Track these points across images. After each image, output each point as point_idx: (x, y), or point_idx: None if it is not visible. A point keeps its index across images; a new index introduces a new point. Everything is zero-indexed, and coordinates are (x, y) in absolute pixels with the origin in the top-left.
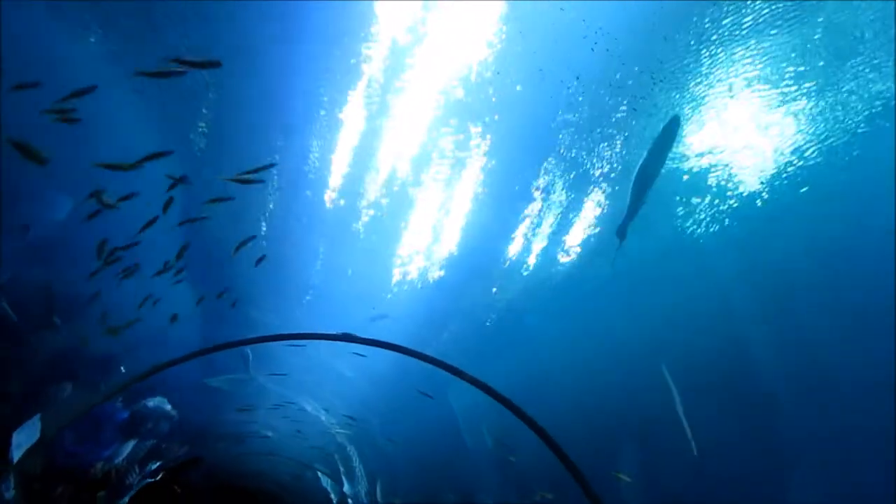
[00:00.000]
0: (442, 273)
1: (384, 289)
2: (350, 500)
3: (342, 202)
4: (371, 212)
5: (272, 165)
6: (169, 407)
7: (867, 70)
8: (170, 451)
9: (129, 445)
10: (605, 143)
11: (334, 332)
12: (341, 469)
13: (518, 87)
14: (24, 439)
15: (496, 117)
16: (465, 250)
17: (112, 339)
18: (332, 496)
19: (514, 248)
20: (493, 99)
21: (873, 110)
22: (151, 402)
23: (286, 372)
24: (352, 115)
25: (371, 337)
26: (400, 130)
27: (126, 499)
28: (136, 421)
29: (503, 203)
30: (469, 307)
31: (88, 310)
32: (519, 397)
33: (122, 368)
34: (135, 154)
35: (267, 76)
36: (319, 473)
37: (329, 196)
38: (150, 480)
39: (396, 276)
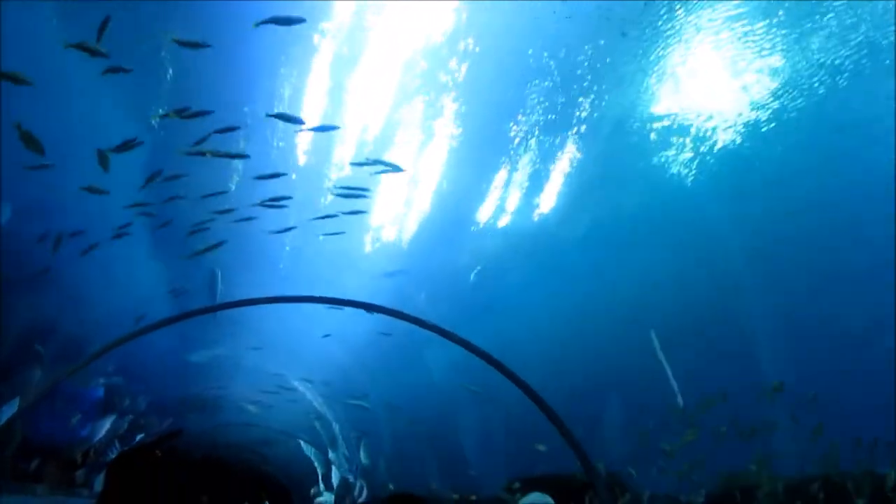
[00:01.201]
0: (416, 231)
1: (359, 252)
2: (335, 466)
3: (313, 161)
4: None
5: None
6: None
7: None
8: (150, 427)
9: (107, 423)
10: (578, 98)
11: (309, 295)
12: (323, 436)
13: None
14: None
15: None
16: (439, 210)
17: (82, 320)
18: (317, 464)
19: (487, 207)
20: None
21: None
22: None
23: (262, 342)
24: (317, 77)
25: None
26: (369, 91)
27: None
28: (112, 398)
29: (475, 161)
30: (446, 267)
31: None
32: (499, 355)
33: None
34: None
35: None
36: (302, 442)
37: (299, 160)
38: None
39: (369, 240)
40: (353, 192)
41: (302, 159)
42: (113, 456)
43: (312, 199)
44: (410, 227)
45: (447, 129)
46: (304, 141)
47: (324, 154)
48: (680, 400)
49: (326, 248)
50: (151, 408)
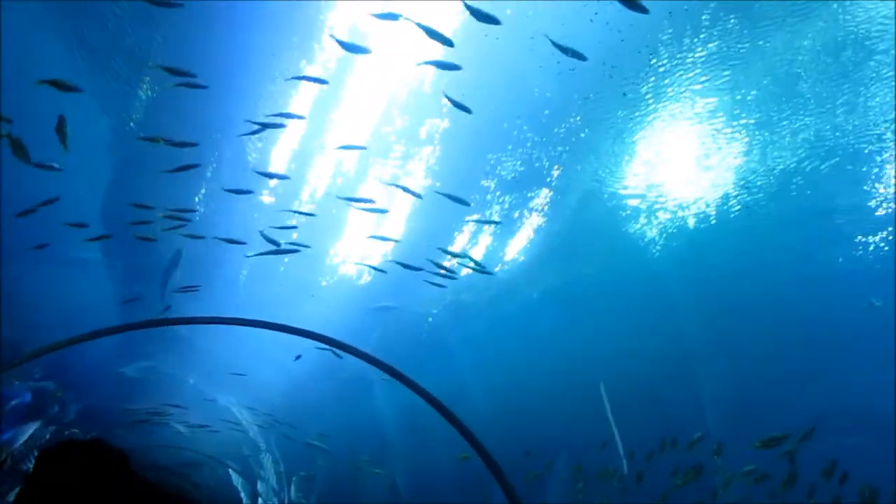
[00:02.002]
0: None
1: (315, 284)
2: (261, 498)
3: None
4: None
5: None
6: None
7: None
8: (76, 438)
9: (30, 429)
10: (548, 164)
11: (258, 319)
12: (253, 467)
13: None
14: None
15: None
16: (404, 251)
17: (19, 324)
18: (242, 494)
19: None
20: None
21: (803, 152)
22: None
23: (204, 364)
24: (296, 109)
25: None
26: (343, 130)
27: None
28: (40, 403)
29: (443, 210)
30: (405, 309)
31: None
32: (448, 403)
33: None
34: None
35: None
36: (231, 470)
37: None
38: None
39: (329, 272)
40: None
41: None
42: (30, 467)
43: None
44: (373, 263)
45: (418, 177)
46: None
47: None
48: (625, 465)
49: (284, 276)
50: (80, 418)
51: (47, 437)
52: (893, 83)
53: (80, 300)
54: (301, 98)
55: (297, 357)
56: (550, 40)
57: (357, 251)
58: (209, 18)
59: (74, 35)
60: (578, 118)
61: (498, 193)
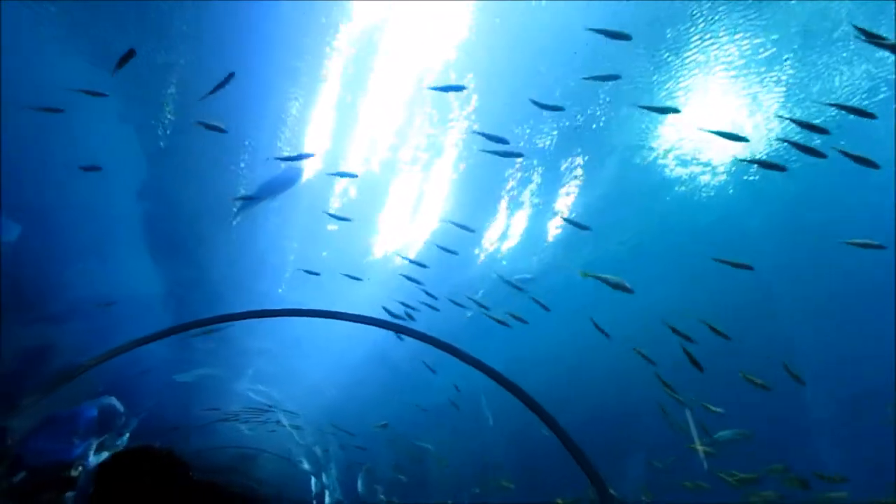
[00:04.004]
0: (421, 251)
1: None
2: (328, 492)
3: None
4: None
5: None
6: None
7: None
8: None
9: (99, 443)
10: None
11: (315, 309)
12: (317, 460)
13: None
14: None
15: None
16: (445, 232)
17: (77, 337)
18: (309, 487)
19: (495, 229)
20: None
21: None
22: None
23: (259, 361)
24: (326, 93)
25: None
26: (376, 109)
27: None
28: (106, 418)
29: (482, 182)
30: (451, 288)
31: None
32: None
33: None
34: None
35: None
36: (294, 465)
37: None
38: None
39: (377, 254)
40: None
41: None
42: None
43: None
44: (416, 247)
45: (454, 151)
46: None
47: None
48: (695, 436)
49: (330, 264)
50: (143, 428)
51: (114, 449)
52: None
53: (129, 312)
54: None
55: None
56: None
57: (400, 233)
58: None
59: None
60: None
61: (535, 161)
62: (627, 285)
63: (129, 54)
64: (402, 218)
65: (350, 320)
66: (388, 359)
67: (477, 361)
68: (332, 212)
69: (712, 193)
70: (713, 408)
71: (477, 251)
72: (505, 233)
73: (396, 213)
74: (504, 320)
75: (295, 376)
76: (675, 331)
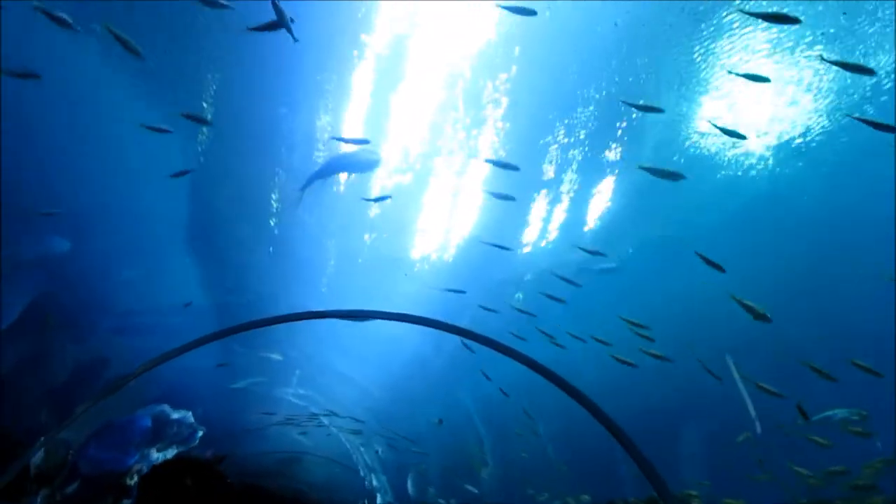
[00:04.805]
0: (462, 249)
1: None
2: (378, 494)
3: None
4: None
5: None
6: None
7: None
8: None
9: (155, 453)
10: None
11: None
12: (367, 462)
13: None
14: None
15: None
16: (483, 226)
17: (128, 347)
18: (361, 489)
19: (534, 222)
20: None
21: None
22: (176, 414)
23: (308, 367)
24: (358, 96)
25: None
26: (410, 110)
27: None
28: (160, 426)
29: (520, 178)
30: (493, 285)
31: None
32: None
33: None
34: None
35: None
36: (343, 467)
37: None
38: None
39: (416, 256)
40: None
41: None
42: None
43: (354, 218)
44: (456, 244)
45: (490, 147)
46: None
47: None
48: (758, 426)
49: (373, 261)
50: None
51: (168, 457)
52: None
53: (179, 323)
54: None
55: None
56: None
57: (437, 231)
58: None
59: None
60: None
61: (572, 152)
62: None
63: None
64: (442, 215)
65: (401, 320)
66: (433, 358)
67: (530, 360)
68: (372, 213)
69: (756, 173)
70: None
71: (521, 248)
72: (545, 226)
73: (435, 211)
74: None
75: (341, 378)
76: (744, 305)
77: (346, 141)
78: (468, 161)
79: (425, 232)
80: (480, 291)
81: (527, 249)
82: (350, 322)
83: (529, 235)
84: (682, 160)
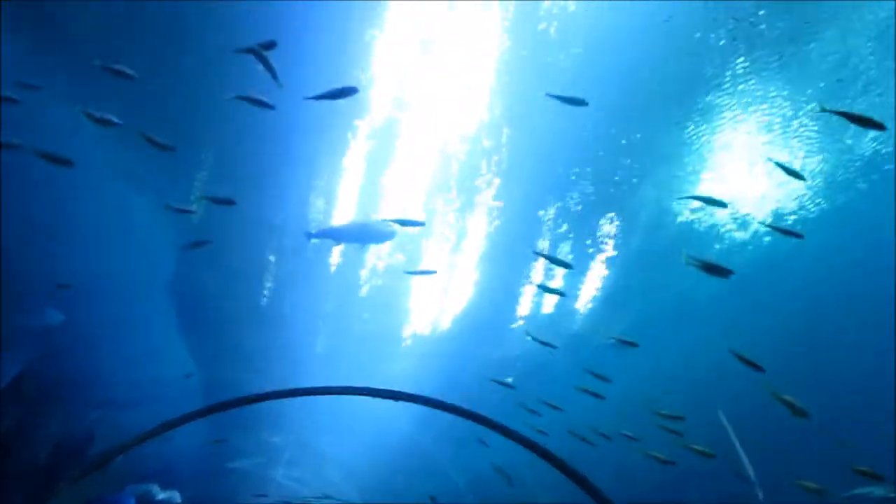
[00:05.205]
0: (454, 326)
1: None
2: None
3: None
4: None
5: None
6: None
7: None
8: None
9: None
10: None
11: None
12: None
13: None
14: None
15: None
16: (475, 307)
17: (115, 422)
18: None
19: (525, 301)
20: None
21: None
22: (162, 495)
23: (296, 448)
24: (351, 174)
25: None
26: (402, 187)
27: None
28: None
29: (512, 256)
30: (483, 363)
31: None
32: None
33: None
34: None
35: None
36: None
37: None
38: None
39: (407, 332)
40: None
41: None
42: None
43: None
44: (447, 322)
45: (483, 226)
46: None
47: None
48: (759, 493)
49: (363, 338)
50: None
51: None
52: None
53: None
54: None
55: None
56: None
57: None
58: None
59: None
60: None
61: (564, 228)
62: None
63: None
64: (434, 294)
65: (393, 398)
66: (425, 435)
67: (522, 437)
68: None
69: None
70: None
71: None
72: (538, 303)
73: (426, 290)
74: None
75: (333, 458)
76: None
77: (403, 223)
78: (460, 241)
79: (416, 311)
80: (477, 367)
81: (520, 323)
82: (342, 400)
83: (522, 311)
84: (677, 233)
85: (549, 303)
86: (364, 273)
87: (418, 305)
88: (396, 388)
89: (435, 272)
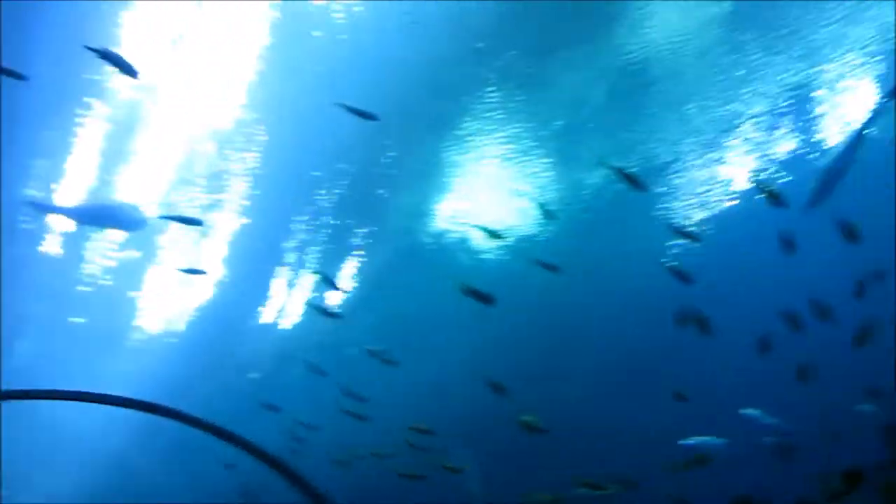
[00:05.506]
0: (192, 325)
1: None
2: None
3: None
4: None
5: None
6: None
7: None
8: None
9: None
10: (363, 208)
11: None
12: None
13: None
14: None
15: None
16: (216, 307)
17: None
18: None
19: (272, 303)
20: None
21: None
22: None
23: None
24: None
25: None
26: (139, 175)
27: None
28: None
29: (258, 261)
30: (225, 362)
31: None
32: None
33: None
34: None
35: None
36: None
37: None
38: None
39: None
40: None
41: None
42: None
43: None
44: (185, 320)
45: (229, 222)
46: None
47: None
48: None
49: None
50: None
51: None
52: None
53: None
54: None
55: None
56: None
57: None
58: None
59: None
60: (391, 154)
61: (315, 233)
62: None
63: None
64: (169, 289)
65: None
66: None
67: (244, 441)
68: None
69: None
70: None
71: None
72: (284, 305)
73: (162, 283)
74: None
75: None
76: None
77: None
78: (200, 239)
79: (148, 309)
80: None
81: (264, 323)
82: (43, 411)
83: (267, 315)
84: (426, 246)
85: (297, 306)
86: (88, 267)
87: (150, 304)
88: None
89: (206, 272)
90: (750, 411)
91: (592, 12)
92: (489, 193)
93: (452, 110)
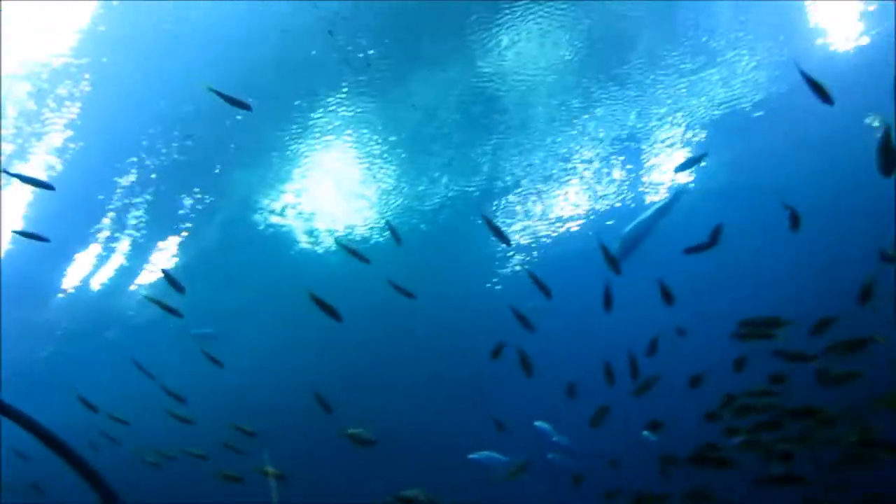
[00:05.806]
0: None
1: None
2: None
3: None
4: None
5: None
6: None
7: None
8: None
9: None
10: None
11: None
12: None
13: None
14: None
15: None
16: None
17: None
18: None
19: (76, 275)
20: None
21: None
22: None
23: None
24: None
25: None
26: None
27: None
28: None
29: (68, 223)
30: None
31: None
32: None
33: None
34: None
35: None
36: None
37: None
38: None
39: None
40: None
41: None
42: None
43: None
44: None
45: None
46: None
47: None
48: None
49: None
50: None
51: None
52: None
53: None
54: None
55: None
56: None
57: None
58: None
59: None
60: (231, 141)
61: (140, 198)
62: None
63: None
64: None
65: None
66: None
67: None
68: None
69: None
70: None
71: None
72: (96, 268)
73: None
74: None
75: None
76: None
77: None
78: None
79: None
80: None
81: (68, 292)
82: None
83: (72, 280)
84: (255, 232)
85: (105, 274)
86: None
87: None
88: None
89: (49, 240)
90: (542, 424)
91: (455, 31)
92: (330, 189)
93: (302, 95)
